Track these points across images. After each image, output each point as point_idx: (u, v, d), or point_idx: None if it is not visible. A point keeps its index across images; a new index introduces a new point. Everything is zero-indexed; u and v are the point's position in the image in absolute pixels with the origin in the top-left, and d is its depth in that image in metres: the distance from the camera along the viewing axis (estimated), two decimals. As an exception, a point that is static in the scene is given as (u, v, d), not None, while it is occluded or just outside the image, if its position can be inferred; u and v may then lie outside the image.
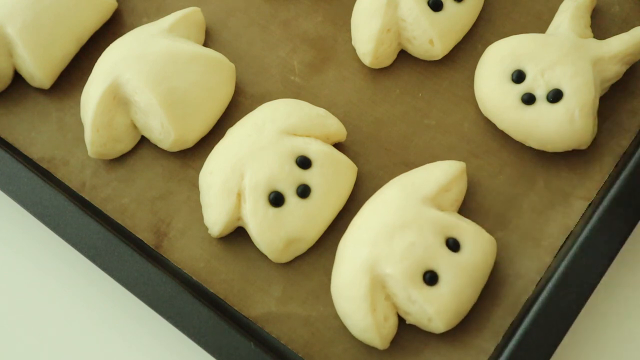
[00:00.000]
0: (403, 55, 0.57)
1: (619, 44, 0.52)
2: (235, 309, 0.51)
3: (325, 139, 0.53)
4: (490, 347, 0.48)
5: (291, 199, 0.50)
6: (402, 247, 0.47)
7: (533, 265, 0.50)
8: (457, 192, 0.51)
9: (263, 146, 0.51)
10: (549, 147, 0.52)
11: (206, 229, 0.52)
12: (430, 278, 0.47)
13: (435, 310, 0.47)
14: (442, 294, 0.47)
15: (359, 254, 0.48)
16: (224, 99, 0.55)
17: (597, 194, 0.52)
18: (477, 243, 0.48)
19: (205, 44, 0.58)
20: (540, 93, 0.52)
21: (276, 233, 0.50)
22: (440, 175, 0.50)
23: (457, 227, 0.48)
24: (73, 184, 0.55)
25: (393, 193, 0.49)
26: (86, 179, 0.55)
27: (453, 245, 0.47)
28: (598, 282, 0.48)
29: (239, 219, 0.51)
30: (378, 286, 0.47)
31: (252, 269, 0.52)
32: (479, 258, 0.48)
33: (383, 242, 0.47)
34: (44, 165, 0.56)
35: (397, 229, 0.47)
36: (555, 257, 0.51)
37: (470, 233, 0.48)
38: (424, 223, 0.48)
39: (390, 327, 0.48)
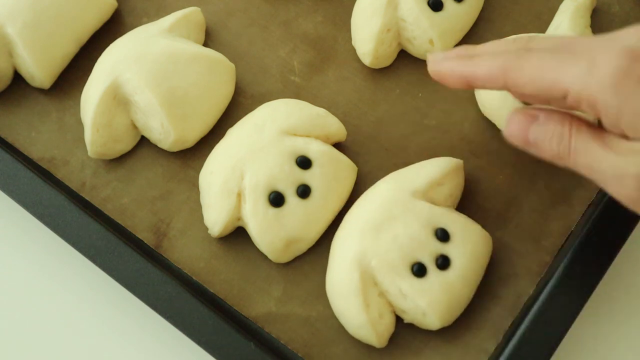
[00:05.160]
0: (403, 55, 0.57)
1: (619, 44, 0.52)
2: (235, 309, 0.51)
3: (325, 139, 0.53)
4: (490, 347, 0.48)
5: (291, 199, 0.50)
6: (387, 239, 0.47)
7: (533, 265, 0.50)
8: (452, 187, 0.50)
9: (263, 146, 0.51)
10: (549, 147, 0.52)
11: (206, 229, 0.52)
12: (419, 269, 0.47)
13: (427, 302, 0.47)
14: (432, 285, 0.47)
15: (348, 249, 0.48)
16: (224, 99, 0.55)
17: (597, 194, 0.52)
18: (467, 233, 0.48)
19: (205, 44, 0.58)
20: (540, 93, 0.51)
21: (276, 233, 0.50)
22: (433, 169, 0.50)
23: (447, 218, 0.48)
24: (73, 184, 0.55)
25: (383, 187, 0.50)
26: (86, 179, 0.55)
27: (442, 235, 0.47)
28: (598, 282, 0.48)
29: (239, 219, 0.51)
30: (369, 281, 0.47)
31: (252, 269, 0.52)
32: (470, 248, 0.48)
33: (370, 236, 0.47)
34: (44, 165, 0.56)
35: (384, 221, 0.48)
36: (555, 257, 0.51)
37: (460, 224, 0.48)
38: (410, 215, 0.48)
39: (386, 325, 0.48)
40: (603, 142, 0.40)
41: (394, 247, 0.47)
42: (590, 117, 0.42)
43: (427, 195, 0.49)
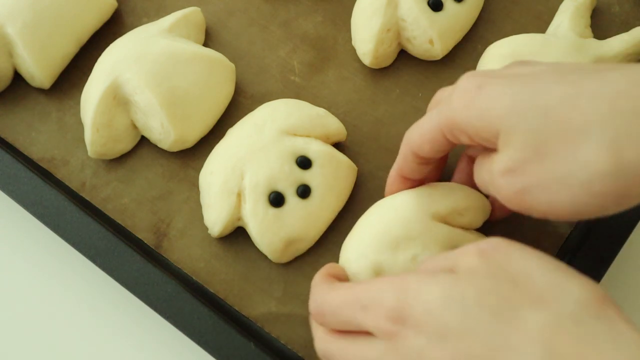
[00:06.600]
0: (403, 55, 0.57)
1: (619, 44, 0.52)
2: (235, 308, 0.51)
3: (325, 139, 0.53)
4: (490, 347, 0.48)
5: (291, 199, 0.50)
6: (406, 258, 0.46)
7: (533, 265, 0.50)
8: (471, 219, 0.49)
9: (263, 146, 0.51)
10: (549, 147, 0.52)
11: (206, 229, 0.52)
12: None
13: None
14: None
15: (364, 258, 0.47)
16: (224, 99, 0.55)
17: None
18: None
19: (205, 44, 0.58)
20: (540, 93, 0.51)
21: (276, 233, 0.50)
22: (461, 198, 0.48)
23: (464, 240, 0.47)
24: (73, 184, 0.55)
25: (405, 200, 0.48)
26: (86, 179, 0.55)
27: None
28: (598, 282, 0.48)
29: (239, 219, 0.51)
30: None
31: (252, 269, 0.52)
32: None
33: (387, 251, 0.46)
34: (44, 165, 0.56)
35: (402, 240, 0.46)
36: (555, 257, 0.51)
37: None
38: (429, 237, 0.46)
39: None
40: (483, 158, 0.42)
41: (412, 267, 0.46)
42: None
43: (444, 219, 0.47)
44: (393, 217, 0.47)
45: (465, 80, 0.41)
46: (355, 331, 0.40)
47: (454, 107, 0.41)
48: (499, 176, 0.39)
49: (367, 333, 0.40)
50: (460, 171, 0.50)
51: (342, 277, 0.46)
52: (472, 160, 0.49)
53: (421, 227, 0.46)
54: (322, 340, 0.42)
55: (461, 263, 0.38)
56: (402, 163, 0.47)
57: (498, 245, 0.38)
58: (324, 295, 0.42)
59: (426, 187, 0.48)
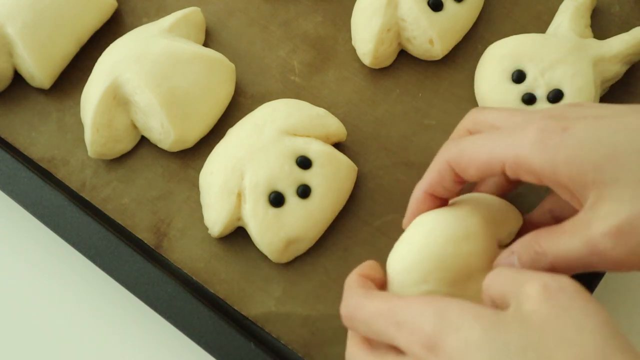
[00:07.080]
0: (403, 55, 0.57)
1: (619, 44, 0.52)
2: (235, 308, 0.51)
3: (325, 139, 0.53)
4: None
5: (291, 199, 0.50)
6: (477, 290, 0.43)
7: (533, 265, 0.50)
8: (512, 239, 0.46)
9: (263, 146, 0.51)
10: (549, 147, 0.52)
11: (206, 229, 0.53)
12: None
13: None
14: None
15: (430, 291, 0.43)
16: (224, 99, 0.55)
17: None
18: None
19: (205, 44, 0.58)
20: (541, 93, 0.52)
21: (276, 233, 0.50)
22: (516, 221, 0.46)
23: None
24: (73, 184, 0.55)
25: (475, 229, 0.43)
26: (86, 179, 0.55)
27: None
28: (598, 282, 0.48)
29: (239, 219, 0.51)
30: None
31: (252, 269, 0.52)
32: None
33: (460, 284, 0.43)
34: (44, 165, 0.56)
35: (476, 272, 0.43)
36: (555, 257, 0.51)
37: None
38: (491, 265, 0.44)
39: None
40: (563, 230, 0.39)
41: (481, 299, 0.42)
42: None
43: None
44: (468, 250, 0.43)
45: (542, 120, 0.39)
46: (385, 346, 0.39)
47: (528, 147, 0.38)
48: (605, 239, 0.36)
49: (396, 349, 0.39)
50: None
51: (377, 279, 0.43)
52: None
53: (492, 258, 0.44)
54: (353, 355, 0.41)
55: (521, 298, 0.35)
56: (434, 181, 0.44)
57: (565, 286, 0.35)
58: (358, 300, 0.40)
59: (486, 209, 0.45)
